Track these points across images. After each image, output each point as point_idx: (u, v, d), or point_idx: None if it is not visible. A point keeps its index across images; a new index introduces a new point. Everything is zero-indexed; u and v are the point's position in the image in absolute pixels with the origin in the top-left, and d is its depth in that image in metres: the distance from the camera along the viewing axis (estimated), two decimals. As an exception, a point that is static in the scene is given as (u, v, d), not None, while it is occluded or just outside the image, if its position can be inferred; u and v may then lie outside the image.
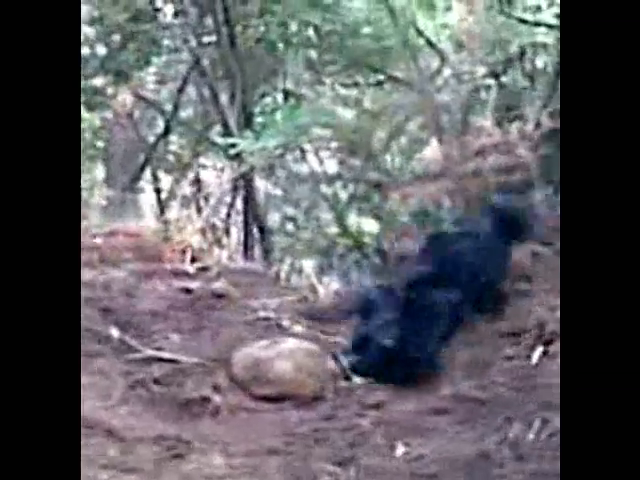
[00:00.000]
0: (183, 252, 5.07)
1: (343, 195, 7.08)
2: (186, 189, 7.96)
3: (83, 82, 6.55)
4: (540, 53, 6.22)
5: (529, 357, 3.88)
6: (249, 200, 7.17)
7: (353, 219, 6.87)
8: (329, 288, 5.28)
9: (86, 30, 7.45)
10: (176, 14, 7.78)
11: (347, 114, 6.57)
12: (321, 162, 7.44)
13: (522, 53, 6.19)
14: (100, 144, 7.32)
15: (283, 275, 5.71)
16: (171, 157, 8.77)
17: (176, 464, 3.20)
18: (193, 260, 5.06)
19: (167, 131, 8.53)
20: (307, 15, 6.78)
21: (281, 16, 6.93)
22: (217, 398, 3.69)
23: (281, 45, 7.28)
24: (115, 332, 4.09)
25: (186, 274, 4.85)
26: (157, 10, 7.88)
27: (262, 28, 7.23)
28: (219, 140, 7.09)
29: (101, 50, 7.81)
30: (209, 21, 7.35)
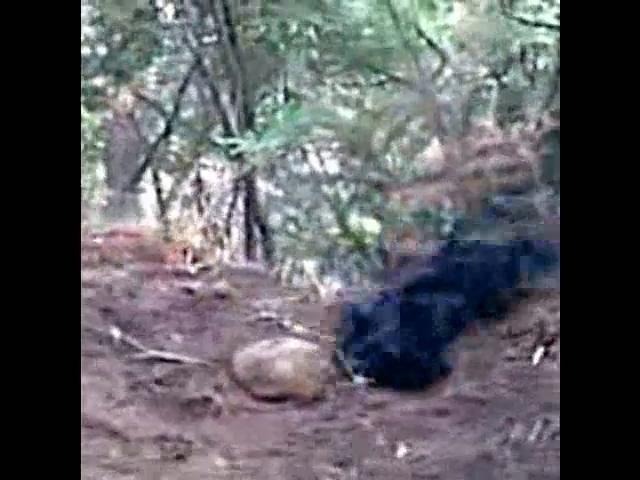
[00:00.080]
0: (184, 252, 5.06)
1: (344, 195, 7.08)
2: (187, 189, 7.95)
3: (83, 82, 6.54)
4: (541, 53, 6.22)
5: (530, 358, 3.88)
6: (250, 200, 7.16)
7: (354, 219, 6.87)
8: (330, 288, 5.28)
9: (87, 30, 7.45)
10: (177, 14, 7.79)
11: (348, 114, 6.59)
12: (322, 162, 7.45)
13: (523, 53, 6.20)
14: (101, 144, 7.30)
15: (284, 275, 5.69)
16: (172, 157, 8.77)
17: (178, 464, 3.20)
18: (194, 260, 5.05)
19: (168, 131, 8.54)
20: (308, 15, 6.77)
21: (282, 16, 6.93)
22: (219, 398, 3.69)
23: (282, 45, 7.27)
24: (117, 332, 4.08)
25: (187, 274, 4.84)
26: (158, 10, 7.89)
27: (263, 28, 7.22)
28: (220, 140, 7.07)
29: (102, 50, 7.82)
30: (210, 21, 7.35)
